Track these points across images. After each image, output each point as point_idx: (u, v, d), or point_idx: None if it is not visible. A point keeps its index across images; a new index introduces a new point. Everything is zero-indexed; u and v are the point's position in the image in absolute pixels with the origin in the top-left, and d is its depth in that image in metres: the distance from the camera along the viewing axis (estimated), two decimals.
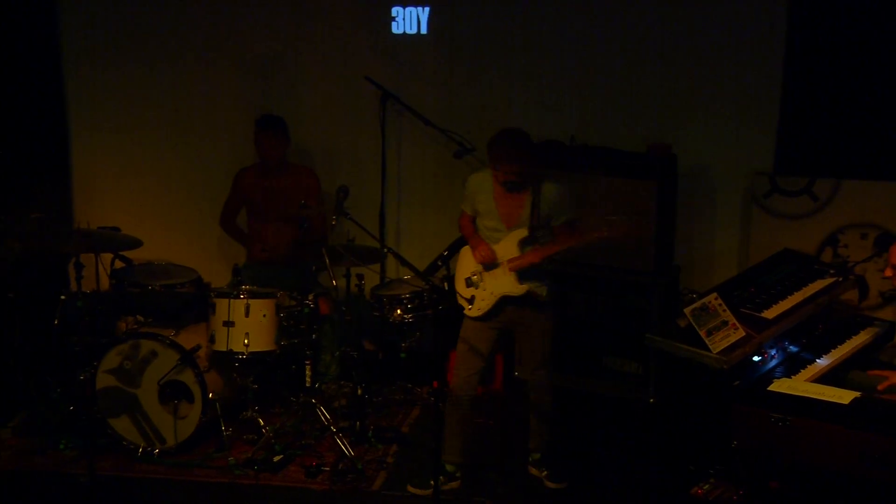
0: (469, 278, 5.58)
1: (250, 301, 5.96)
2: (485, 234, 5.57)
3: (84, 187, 7.52)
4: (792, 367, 5.02)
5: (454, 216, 5.71)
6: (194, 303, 6.37)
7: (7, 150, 7.29)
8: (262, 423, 6.09)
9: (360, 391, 6.16)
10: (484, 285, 5.53)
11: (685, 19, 6.72)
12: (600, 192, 6.45)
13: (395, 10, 7.02)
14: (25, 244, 6.46)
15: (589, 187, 6.46)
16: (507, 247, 5.48)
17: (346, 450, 5.85)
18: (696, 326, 4.85)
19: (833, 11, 6.38)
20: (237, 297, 5.96)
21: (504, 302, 5.51)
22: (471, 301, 5.56)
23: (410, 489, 5.61)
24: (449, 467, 5.66)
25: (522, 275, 5.45)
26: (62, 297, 6.33)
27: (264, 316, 5.99)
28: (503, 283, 5.48)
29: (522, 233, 5.45)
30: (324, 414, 6.05)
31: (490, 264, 5.50)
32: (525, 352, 5.70)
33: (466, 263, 5.63)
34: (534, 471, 5.79)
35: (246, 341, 5.95)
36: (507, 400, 6.70)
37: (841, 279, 5.57)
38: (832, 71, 6.45)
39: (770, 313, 5.21)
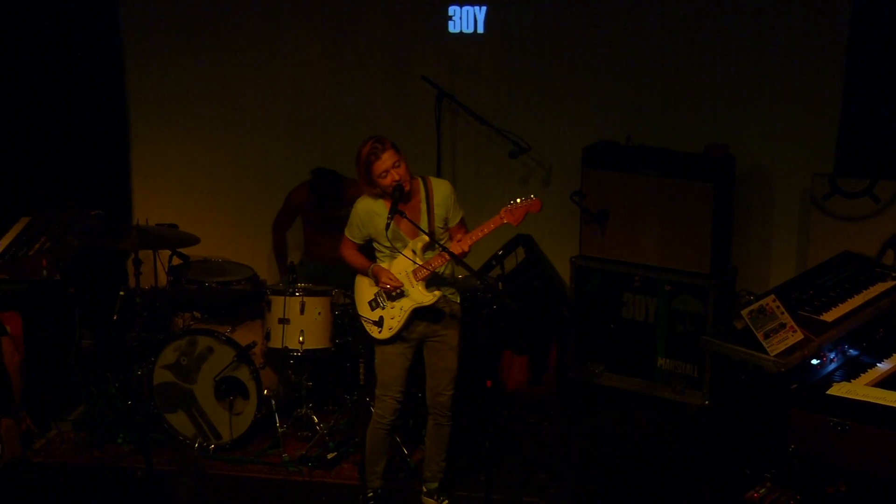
0: (373, 300, 5.27)
1: (305, 299, 5.99)
2: (386, 254, 5.24)
3: (143, 185, 7.61)
4: (852, 371, 4.94)
5: None
6: (250, 300, 6.42)
7: (68, 149, 7.41)
8: (316, 420, 6.13)
9: (413, 390, 6.16)
10: (391, 303, 5.24)
11: (744, 19, 6.64)
12: (656, 194, 6.41)
13: (452, 10, 7.00)
14: (85, 240, 6.55)
15: (645, 188, 6.43)
16: (410, 258, 5.16)
17: (399, 448, 5.86)
18: (753, 328, 4.80)
19: None
20: (293, 294, 6.00)
21: (414, 315, 5.21)
22: (379, 323, 5.24)
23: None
24: (370, 493, 5.46)
25: (430, 282, 5.20)
26: (121, 293, 6.39)
27: (319, 314, 6.02)
28: (411, 295, 5.18)
29: (422, 239, 5.16)
30: None
31: (399, 288, 5.17)
32: (435, 370, 5.35)
33: (365, 289, 5.31)
34: (430, 501, 5.48)
35: (301, 339, 5.98)
36: (559, 401, 6.70)
37: None
38: (895, 71, 6.34)
39: (829, 316, 5.13)
